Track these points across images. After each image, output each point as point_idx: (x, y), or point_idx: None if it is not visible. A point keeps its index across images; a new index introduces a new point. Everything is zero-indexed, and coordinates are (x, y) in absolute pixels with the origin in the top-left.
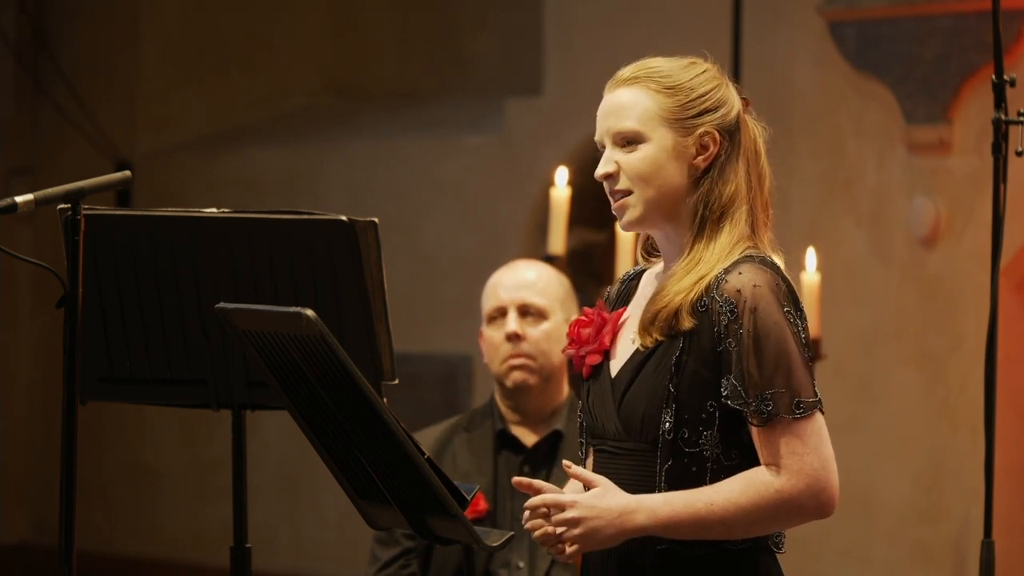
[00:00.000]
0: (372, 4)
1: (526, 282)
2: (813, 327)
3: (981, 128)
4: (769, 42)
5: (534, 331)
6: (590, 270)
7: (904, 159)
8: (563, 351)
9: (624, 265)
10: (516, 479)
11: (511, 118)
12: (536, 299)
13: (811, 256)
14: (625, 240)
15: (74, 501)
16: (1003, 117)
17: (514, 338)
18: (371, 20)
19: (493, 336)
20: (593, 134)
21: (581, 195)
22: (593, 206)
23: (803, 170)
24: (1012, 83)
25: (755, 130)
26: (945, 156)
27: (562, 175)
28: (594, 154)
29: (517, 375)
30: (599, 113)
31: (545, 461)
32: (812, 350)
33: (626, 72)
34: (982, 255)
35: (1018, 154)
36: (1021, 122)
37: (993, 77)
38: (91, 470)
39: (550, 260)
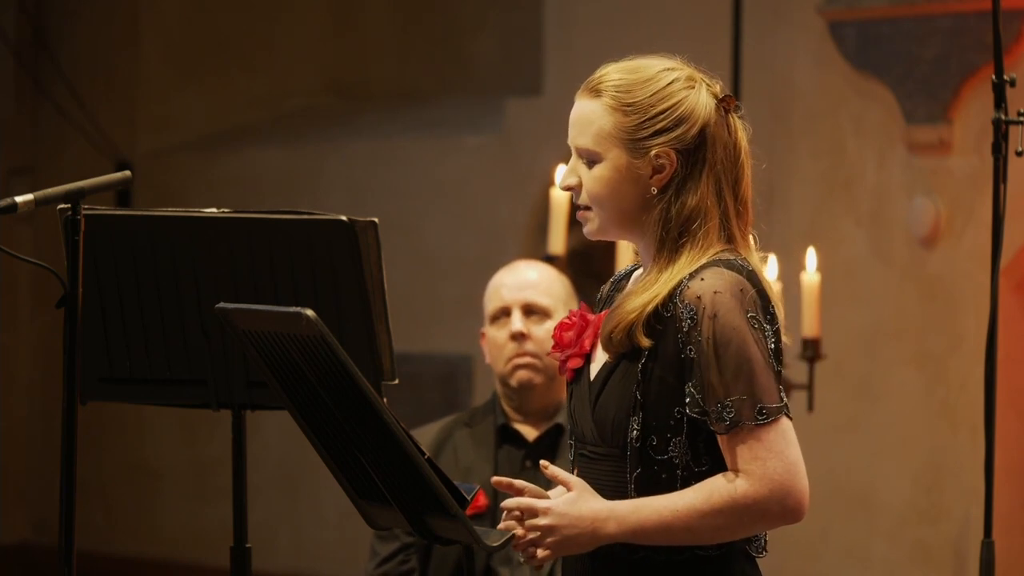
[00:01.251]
0: (372, 4)
1: (529, 282)
2: (813, 327)
3: (981, 128)
4: (769, 42)
5: (538, 330)
6: (590, 270)
7: (904, 159)
8: (548, 354)
9: (624, 265)
10: (496, 479)
11: (511, 118)
12: (540, 298)
13: (811, 256)
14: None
15: (74, 501)
16: (1003, 117)
17: (519, 337)
18: (371, 20)
19: (497, 336)
20: None
21: None
22: None
23: (803, 170)
24: (1012, 83)
25: (736, 131)
26: (945, 156)
27: (561, 172)
28: None
29: (522, 374)
30: (569, 118)
31: (547, 455)
32: (812, 353)
33: (594, 78)
34: (982, 255)
35: (1018, 154)
36: (1021, 122)
37: (993, 77)
38: (91, 470)
39: (550, 260)
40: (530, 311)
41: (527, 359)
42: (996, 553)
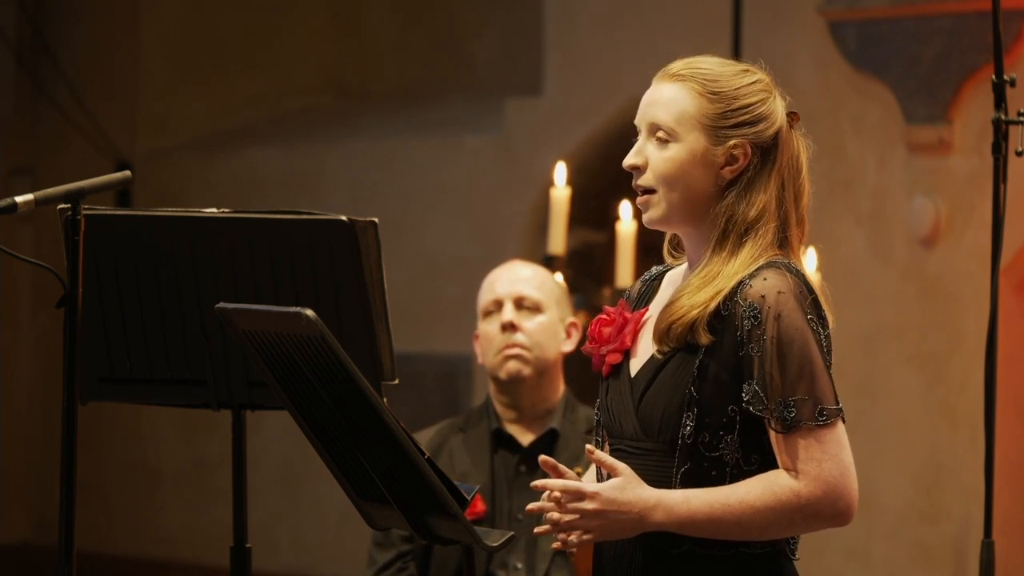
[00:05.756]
0: (372, 4)
1: (523, 277)
2: None
3: (981, 128)
4: (769, 42)
5: (529, 323)
6: (590, 270)
7: (904, 159)
8: (583, 349)
9: (624, 265)
10: (543, 458)
11: (511, 118)
12: (532, 292)
13: (811, 256)
14: (625, 240)
15: (74, 501)
16: (1003, 117)
17: (509, 327)
18: (371, 20)
19: (488, 329)
20: (593, 132)
21: (581, 195)
22: (593, 206)
23: None
24: (1012, 83)
25: (799, 146)
26: (945, 156)
27: (560, 171)
28: (595, 154)
29: (512, 365)
30: (642, 100)
31: None
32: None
33: (676, 66)
34: (982, 255)
35: (1018, 154)
36: (1021, 122)
37: (993, 77)
38: (91, 470)
39: (550, 260)
40: (521, 304)
41: (517, 350)
42: (996, 553)
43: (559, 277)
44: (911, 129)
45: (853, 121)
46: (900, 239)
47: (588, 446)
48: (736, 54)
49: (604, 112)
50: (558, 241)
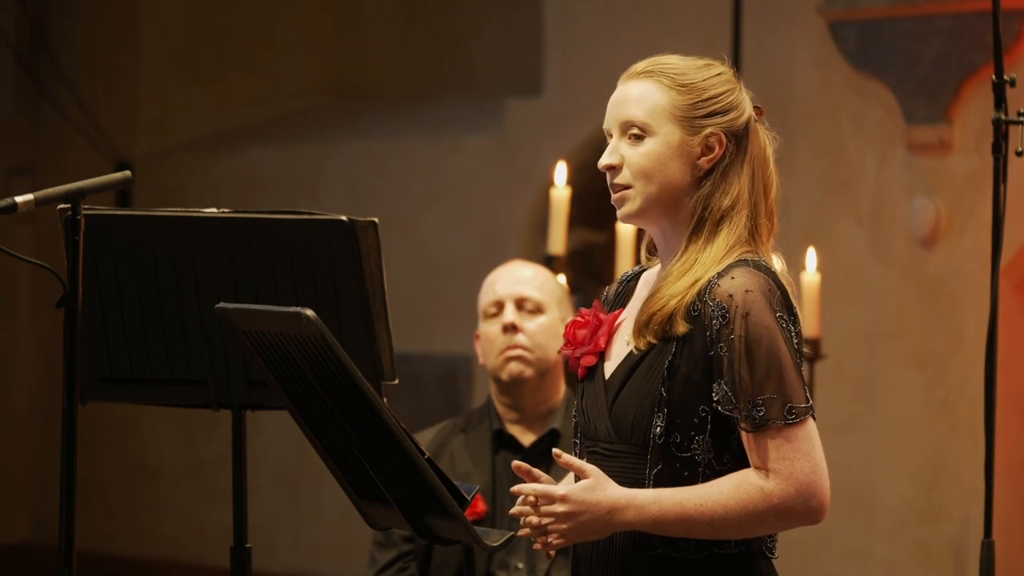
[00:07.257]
0: (372, 4)
1: (523, 278)
2: (813, 327)
3: (981, 128)
4: (769, 42)
5: (531, 324)
6: (590, 270)
7: (904, 159)
8: (559, 352)
9: (624, 265)
10: (516, 463)
11: (511, 118)
12: (533, 293)
13: (811, 256)
14: (625, 240)
15: (74, 501)
16: (1003, 117)
17: (511, 329)
18: (371, 20)
19: (489, 330)
20: (593, 132)
21: (581, 195)
22: (593, 206)
23: (803, 170)
24: (1012, 83)
25: (765, 139)
26: (945, 156)
27: (561, 171)
28: (594, 154)
29: (513, 366)
30: (610, 102)
31: (543, 460)
32: (812, 353)
33: (640, 66)
34: (982, 255)
35: (1018, 154)
36: (1021, 122)
37: (993, 77)
38: (91, 470)
39: (550, 260)
40: (522, 305)
41: (518, 351)
42: (996, 553)
43: (561, 279)
44: (911, 129)
45: (853, 121)
46: (900, 239)
47: (555, 450)
48: (736, 54)
49: (604, 112)
50: (558, 241)
